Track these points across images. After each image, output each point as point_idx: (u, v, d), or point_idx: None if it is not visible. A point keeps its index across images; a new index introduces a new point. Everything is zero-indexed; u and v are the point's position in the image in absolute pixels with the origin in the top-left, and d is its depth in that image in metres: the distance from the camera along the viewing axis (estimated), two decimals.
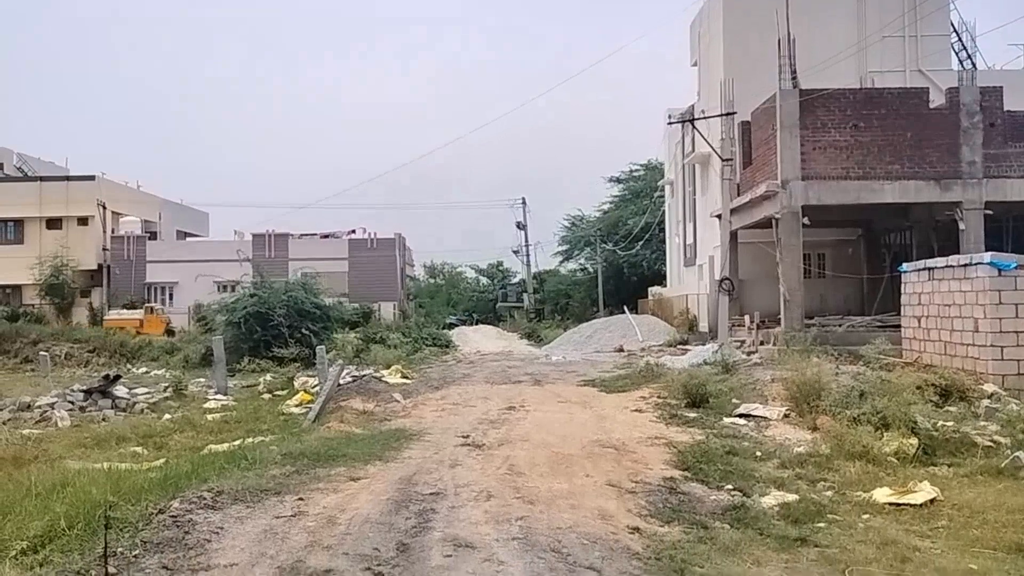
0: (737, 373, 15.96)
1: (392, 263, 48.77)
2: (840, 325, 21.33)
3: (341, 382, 16.61)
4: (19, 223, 46.56)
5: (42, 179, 48.43)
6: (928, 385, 11.99)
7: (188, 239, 53.63)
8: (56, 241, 45.31)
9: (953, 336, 15.18)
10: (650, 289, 43.13)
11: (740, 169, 25.60)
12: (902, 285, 17.53)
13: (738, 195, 24.79)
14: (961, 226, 20.66)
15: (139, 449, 12.12)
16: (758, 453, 9.87)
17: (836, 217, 23.77)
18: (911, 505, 7.53)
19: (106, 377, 18.17)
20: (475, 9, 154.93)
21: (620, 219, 49.88)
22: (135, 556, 5.61)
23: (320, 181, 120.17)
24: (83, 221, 46.53)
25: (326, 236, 50.16)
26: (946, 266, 15.66)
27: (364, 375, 18.47)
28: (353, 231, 50.26)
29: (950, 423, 10.59)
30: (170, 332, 38.83)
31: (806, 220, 21.00)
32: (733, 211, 24.63)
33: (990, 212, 20.75)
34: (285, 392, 18.16)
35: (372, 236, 49.23)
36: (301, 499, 7.40)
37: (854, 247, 27.32)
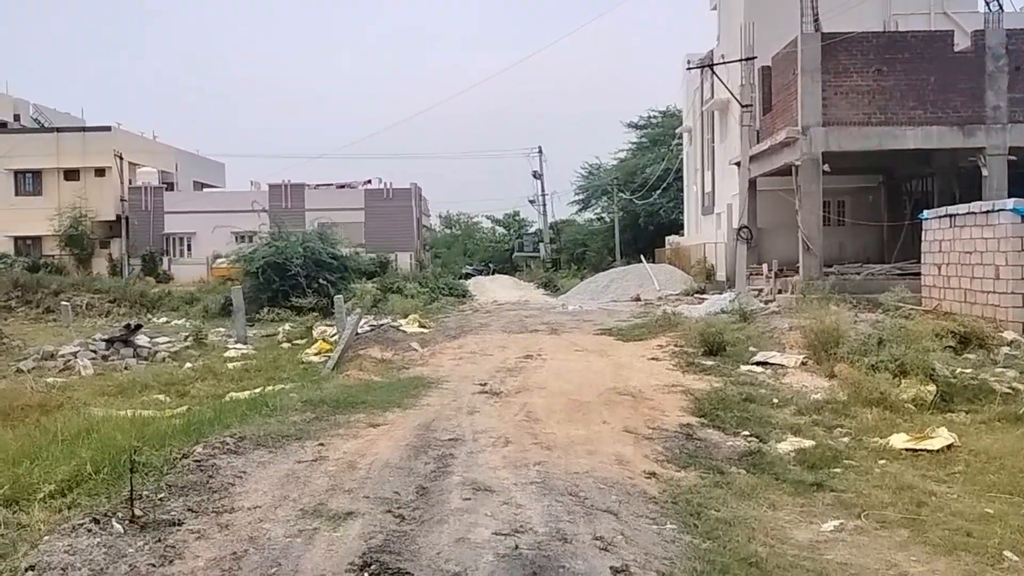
0: (755, 321, 15.92)
1: (408, 213, 48.69)
2: (859, 273, 21.18)
3: (359, 331, 16.71)
4: (37, 174, 46.74)
5: (59, 130, 48.49)
6: (947, 332, 11.94)
7: (205, 190, 53.66)
8: (74, 192, 45.50)
9: (974, 284, 15.06)
10: (667, 238, 42.92)
11: (760, 116, 25.24)
12: (923, 232, 17.34)
13: (757, 142, 24.49)
14: (984, 172, 20.35)
15: (162, 397, 12.29)
16: (775, 400, 9.89)
17: (857, 164, 23.45)
18: (928, 451, 7.55)
19: (127, 327, 18.36)
20: None
21: (637, 167, 49.48)
22: (160, 499, 5.72)
23: (336, 132, 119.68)
24: (100, 172, 46.62)
25: (342, 186, 50.01)
26: (968, 213, 15.47)
27: (382, 324, 18.56)
28: (369, 181, 50.09)
29: (968, 370, 10.58)
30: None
31: (826, 167, 20.76)
32: (752, 158, 24.34)
33: (1013, 158, 20.41)
34: (304, 341, 18.29)
35: (388, 186, 49.07)
36: (322, 444, 7.51)
37: (875, 194, 27.00)
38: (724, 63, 26.69)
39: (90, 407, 10.54)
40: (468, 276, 48.10)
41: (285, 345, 18.28)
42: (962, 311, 14.87)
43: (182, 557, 4.81)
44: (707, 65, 28.93)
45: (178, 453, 6.80)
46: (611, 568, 4.70)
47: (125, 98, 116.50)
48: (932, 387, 9.56)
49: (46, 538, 4.95)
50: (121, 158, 46.69)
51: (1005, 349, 12.03)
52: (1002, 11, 21.99)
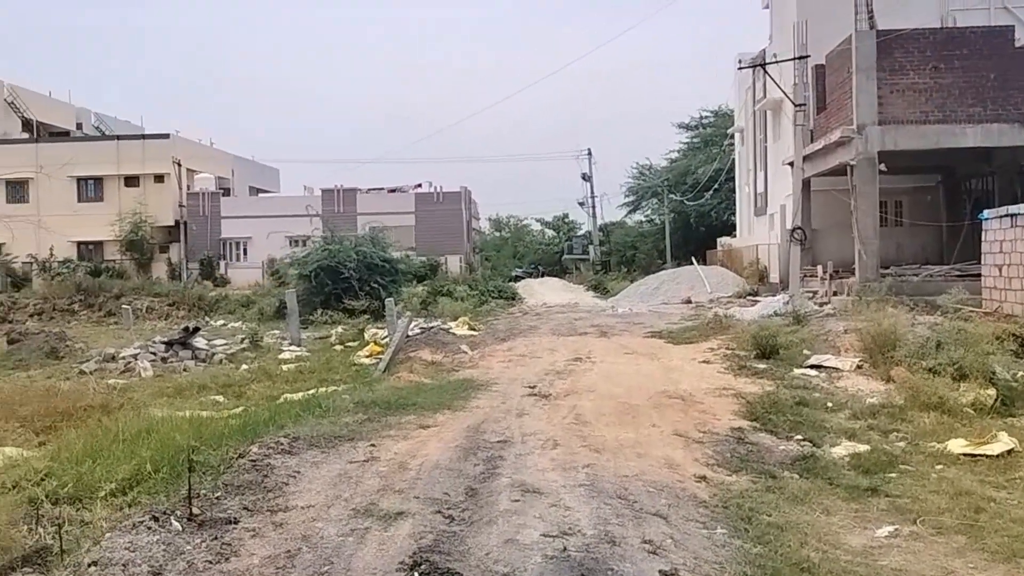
0: (809, 324, 15.68)
1: (458, 216, 48.95)
2: (917, 275, 20.73)
3: (410, 334, 16.87)
4: (99, 181, 48.05)
5: (119, 138, 49.79)
6: (1008, 335, 11.62)
7: (260, 195, 54.64)
8: (134, 198, 46.69)
9: None
10: (719, 240, 42.46)
11: (813, 115, 24.85)
12: (983, 233, 16.90)
13: (811, 141, 24.11)
14: None
15: (219, 398, 12.54)
16: (829, 404, 9.74)
17: (914, 163, 22.96)
18: (987, 456, 7.37)
19: (186, 329, 18.75)
20: None
21: (688, 168, 49.03)
22: (217, 498, 5.86)
23: (385, 135, 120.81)
24: (159, 178, 47.78)
25: (393, 190, 50.50)
26: None
27: (432, 327, 18.71)
28: (419, 185, 50.50)
29: None
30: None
31: (882, 166, 20.35)
32: (806, 158, 23.98)
33: None
34: (356, 343, 18.51)
35: (438, 190, 49.42)
36: (373, 445, 7.61)
37: (933, 194, 26.39)
38: (776, 62, 26.33)
39: (150, 408, 10.79)
40: (517, 279, 48.18)
41: (338, 347, 18.52)
42: (1023, 313, 14.47)
43: (238, 555, 4.93)
44: (759, 64, 28.58)
45: (234, 453, 6.96)
46: (660, 572, 4.69)
47: (181, 105, 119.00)
48: (992, 391, 9.32)
49: (108, 535, 5.11)
50: (179, 165, 47.81)
51: None
52: None
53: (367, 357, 16.21)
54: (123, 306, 25.64)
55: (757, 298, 25.45)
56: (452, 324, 19.41)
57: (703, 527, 5.57)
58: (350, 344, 18.63)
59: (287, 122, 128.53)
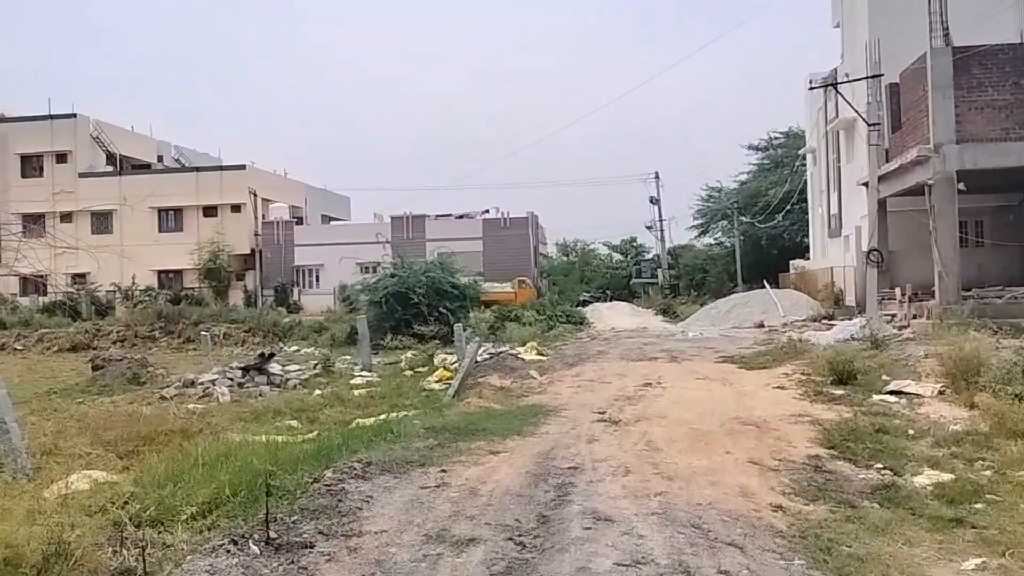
0: (887, 348, 15.27)
1: (525, 241, 49.18)
2: (1000, 297, 20.02)
3: (478, 359, 16.95)
4: (179, 211, 49.84)
5: (198, 170, 51.67)
6: None
7: (332, 223, 55.84)
8: (212, 228, 48.31)
9: None
10: (791, 262, 41.68)
11: (888, 134, 24.32)
12: None
13: (886, 161, 23.59)
14: None
15: (293, 422, 12.75)
16: (910, 431, 9.45)
17: (995, 182, 22.24)
18: None
19: (262, 355, 19.16)
20: None
21: (759, 190, 48.36)
22: (293, 522, 5.97)
23: (451, 161, 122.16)
24: (236, 208, 49.32)
25: (461, 216, 51.07)
26: None
27: (500, 352, 18.76)
28: (487, 211, 50.96)
29: None
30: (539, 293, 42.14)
31: (962, 186, 19.78)
32: (881, 178, 23.44)
33: None
34: (425, 369, 18.67)
35: (505, 215, 49.77)
36: (444, 471, 7.65)
37: (1016, 213, 25.47)
38: (848, 81, 25.89)
39: (227, 432, 11.04)
40: (585, 303, 47.90)
41: (407, 373, 18.70)
42: None
43: None
44: (831, 84, 28.09)
45: (309, 477, 7.08)
46: None
47: (252, 135, 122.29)
48: None
49: (189, 557, 5.25)
50: (255, 195, 49.23)
51: None
52: None
53: (436, 382, 16.33)
54: (202, 333, 26.33)
55: (833, 322, 24.87)
56: (520, 349, 19.44)
57: (780, 558, 5.44)
58: (420, 369, 18.79)
59: (356, 155, 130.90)
